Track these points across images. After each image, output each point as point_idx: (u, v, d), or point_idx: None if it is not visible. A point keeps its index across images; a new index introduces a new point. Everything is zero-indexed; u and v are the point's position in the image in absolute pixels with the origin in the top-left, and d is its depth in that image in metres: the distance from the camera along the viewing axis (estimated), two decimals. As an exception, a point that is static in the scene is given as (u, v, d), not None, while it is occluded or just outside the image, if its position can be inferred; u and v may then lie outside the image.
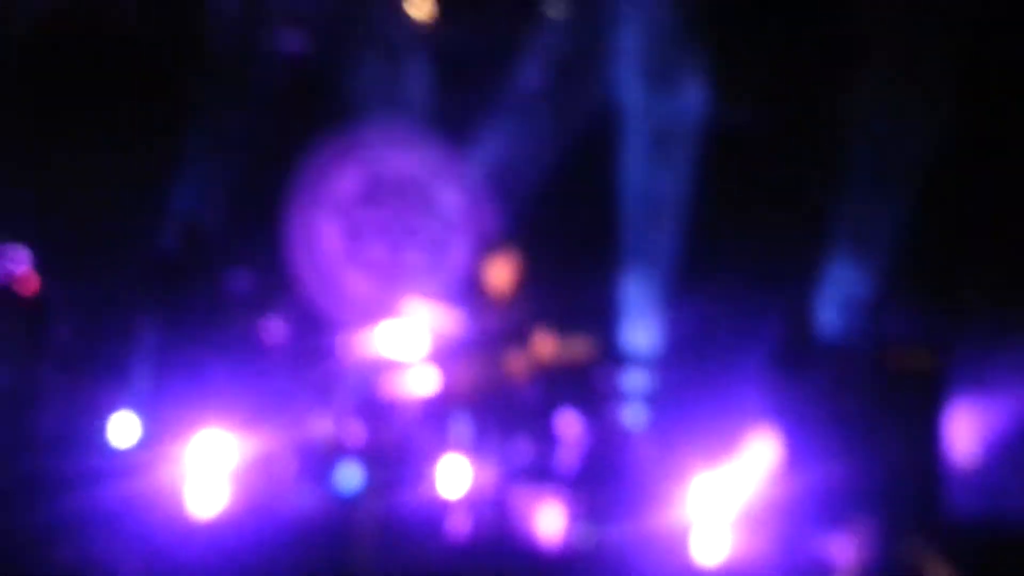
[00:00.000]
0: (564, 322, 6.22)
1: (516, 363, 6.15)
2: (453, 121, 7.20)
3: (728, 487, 4.92)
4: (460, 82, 7.26)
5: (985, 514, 5.04)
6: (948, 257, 6.27)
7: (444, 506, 5.34)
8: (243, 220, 7.03)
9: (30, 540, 4.81)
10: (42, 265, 6.51)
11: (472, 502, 5.44)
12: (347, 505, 5.53)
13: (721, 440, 5.29)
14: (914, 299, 6.27)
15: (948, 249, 6.27)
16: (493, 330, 6.28)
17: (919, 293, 6.27)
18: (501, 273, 6.39)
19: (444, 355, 6.26)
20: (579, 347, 6.16)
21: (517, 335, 6.23)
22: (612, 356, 6.40)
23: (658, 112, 7.01)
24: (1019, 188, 6.15)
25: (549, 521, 5.31)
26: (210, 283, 6.80)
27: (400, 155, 7.24)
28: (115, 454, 5.99)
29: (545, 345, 6.12)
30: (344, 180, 7.22)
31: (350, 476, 5.70)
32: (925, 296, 6.23)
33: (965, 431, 5.45)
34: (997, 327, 5.92)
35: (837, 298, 6.42)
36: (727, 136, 6.83)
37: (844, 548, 4.44)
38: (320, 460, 5.88)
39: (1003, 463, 5.39)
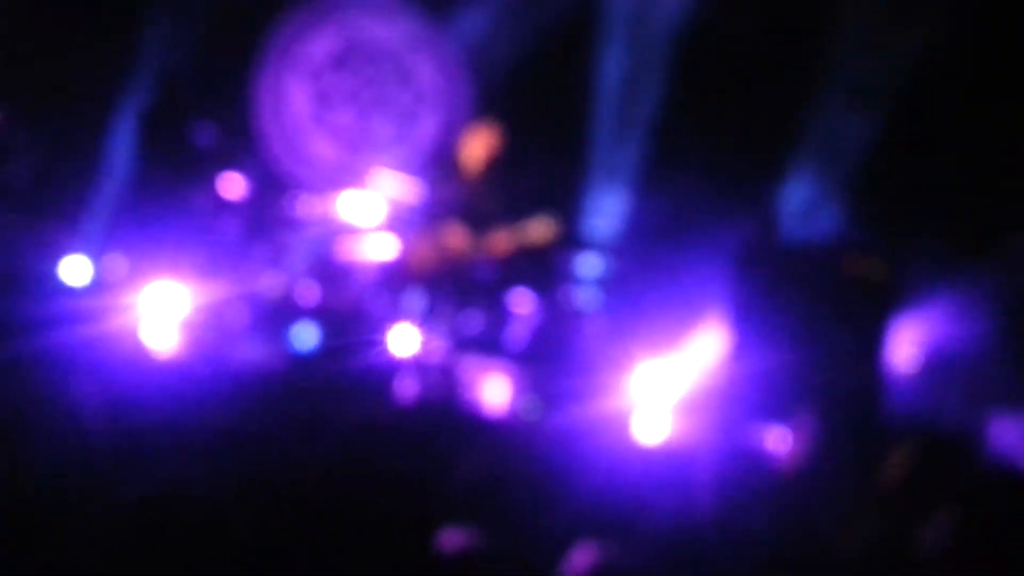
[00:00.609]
0: (529, 202, 6.24)
1: (474, 245, 6.17)
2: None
3: (672, 373, 5.00)
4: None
5: (917, 423, 5.16)
6: (912, 173, 6.33)
7: (392, 370, 5.40)
8: (215, 76, 6.95)
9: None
10: (3, 103, 6.43)
11: (420, 367, 5.50)
12: (301, 363, 5.58)
13: (670, 328, 5.36)
14: (875, 211, 6.34)
15: (913, 165, 6.33)
16: (457, 206, 6.29)
17: (881, 205, 6.34)
18: (476, 150, 6.37)
19: (404, 226, 6.27)
20: (540, 230, 6.18)
21: (482, 213, 6.24)
22: (572, 239, 6.44)
23: (644, 6, 6.96)
24: (987, 112, 6.20)
25: (494, 391, 5.39)
26: (177, 135, 6.75)
27: (378, 23, 7.16)
28: (67, 296, 5.98)
29: (505, 233, 6.15)
30: (318, 44, 7.14)
31: (306, 335, 5.74)
32: (886, 209, 6.30)
33: (908, 341, 5.56)
34: (951, 246, 6.01)
35: (800, 202, 6.48)
36: (709, 36, 6.80)
37: (779, 440, 4.54)
38: (273, 317, 5.91)
39: (940, 377, 5.51)
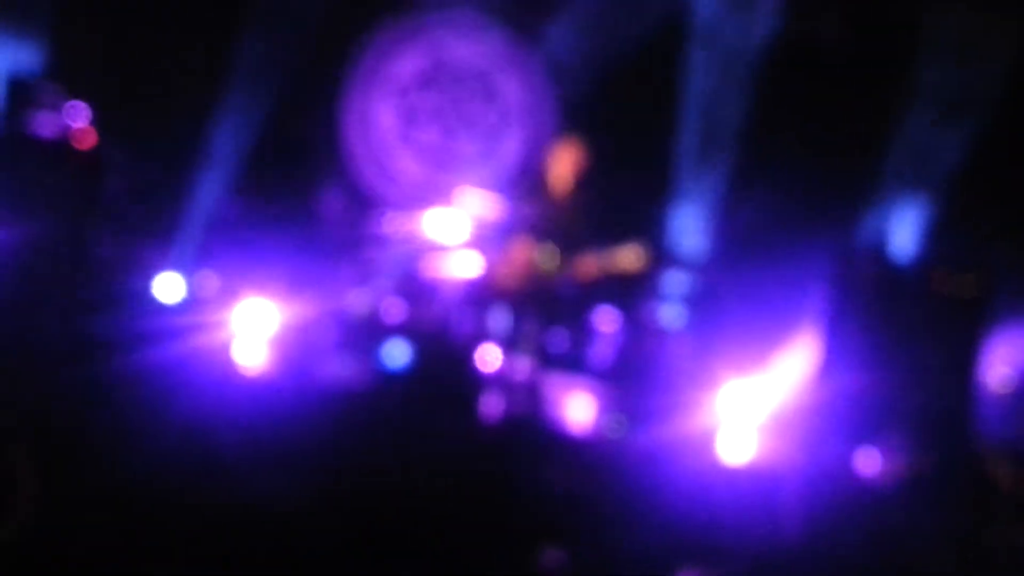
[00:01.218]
0: (615, 219, 6.23)
1: (560, 263, 6.18)
2: (521, 12, 7.15)
3: (759, 392, 4.96)
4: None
5: (1014, 441, 5.06)
6: (1003, 188, 6.23)
7: (478, 387, 5.43)
8: (307, 94, 7.04)
9: (80, 396, 4.89)
10: (101, 122, 6.55)
11: (506, 384, 5.52)
12: (389, 380, 5.62)
13: (757, 346, 5.32)
14: (967, 225, 6.24)
15: (1004, 179, 6.23)
16: (543, 223, 6.31)
17: (972, 220, 6.24)
18: (561, 167, 6.38)
19: (490, 243, 6.30)
20: (629, 257, 6.16)
21: (568, 230, 6.25)
22: (658, 256, 6.41)
23: (730, 21, 6.93)
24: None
25: (579, 409, 5.38)
26: (272, 154, 6.84)
27: (463, 42, 7.21)
28: (162, 314, 6.08)
29: (593, 258, 6.14)
30: (405, 62, 7.22)
31: (396, 353, 5.78)
32: (978, 224, 6.20)
33: (1001, 360, 5.46)
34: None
35: (890, 217, 6.40)
36: (796, 51, 6.76)
37: (870, 461, 4.48)
38: (361, 335, 5.96)
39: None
